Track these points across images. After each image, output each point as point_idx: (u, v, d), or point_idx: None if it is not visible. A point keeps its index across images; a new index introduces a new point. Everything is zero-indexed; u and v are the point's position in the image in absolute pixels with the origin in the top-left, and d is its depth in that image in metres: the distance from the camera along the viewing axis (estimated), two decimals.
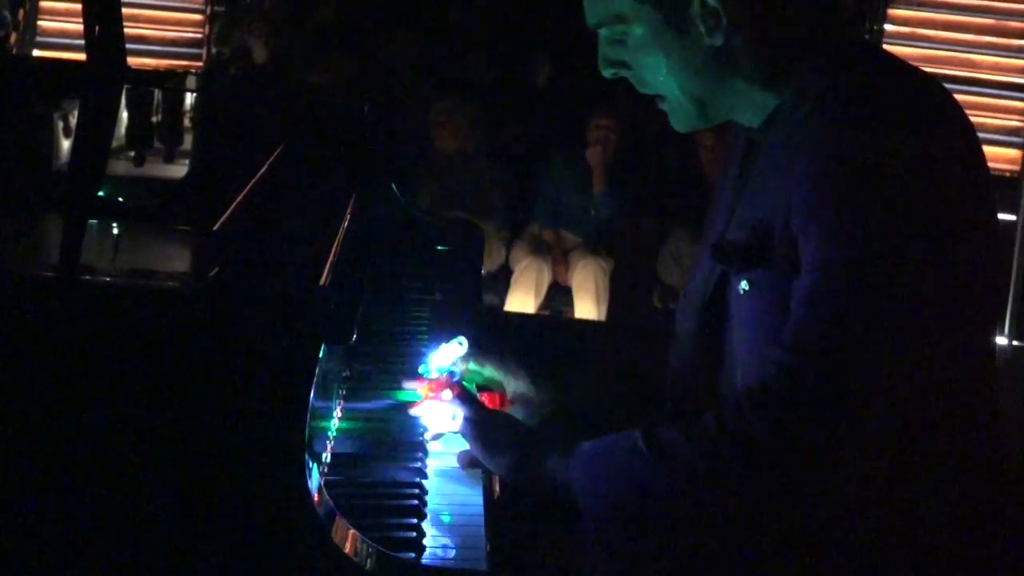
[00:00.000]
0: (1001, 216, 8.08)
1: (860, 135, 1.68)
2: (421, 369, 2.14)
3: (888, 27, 8.90)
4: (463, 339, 2.17)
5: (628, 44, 1.85)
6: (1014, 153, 8.43)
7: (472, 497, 1.96)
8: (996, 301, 1.84)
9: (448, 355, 2.16)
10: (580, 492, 1.78)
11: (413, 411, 2.05)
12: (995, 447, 1.85)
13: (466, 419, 1.96)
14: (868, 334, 1.64)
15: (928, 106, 1.77)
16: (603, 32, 1.88)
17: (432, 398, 2.02)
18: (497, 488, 1.96)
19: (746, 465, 1.65)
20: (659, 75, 1.84)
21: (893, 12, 9.13)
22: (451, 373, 2.11)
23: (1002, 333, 7.55)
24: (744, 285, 1.80)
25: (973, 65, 8.83)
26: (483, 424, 1.95)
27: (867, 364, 1.64)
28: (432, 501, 1.92)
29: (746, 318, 1.82)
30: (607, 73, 1.90)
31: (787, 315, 1.70)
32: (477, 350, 2.20)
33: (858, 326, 1.64)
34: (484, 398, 2.16)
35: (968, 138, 1.77)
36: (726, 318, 1.89)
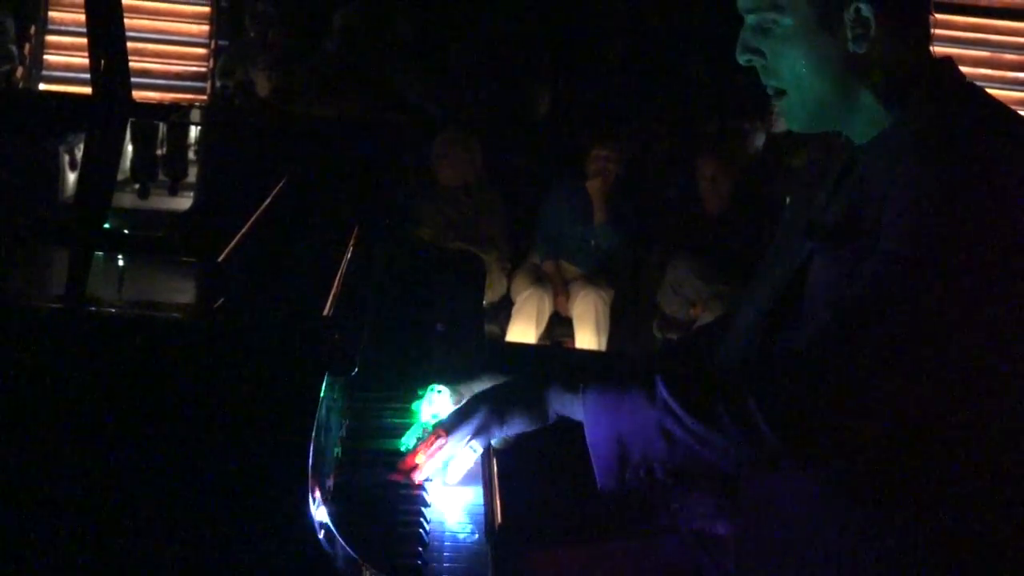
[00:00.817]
0: None
1: (957, 162, 1.76)
2: (408, 442, 2.07)
3: None
4: (440, 387, 2.15)
5: (774, 33, 1.89)
6: None
7: (474, 524, 1.96)
8: None
9: (434, 407, 2.14)
10: (591, 431, 1.85)
11: (418, 478, 2.00)
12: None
13: (456, 417, 1.97)
14: (908, 334, 1.71)
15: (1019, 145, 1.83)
16: (751, 18, 1.92)
17: (432, 454, 1.99)
18: (499, 517, 1.96)
19: (771, 429, 1.72)
20: (795, 69, 1.89)
21: None
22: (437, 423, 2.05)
23: None
24: (828, 259, 1.87)
25: None
26: (462, 412, 1.97)
27: (911, 365, 1.71)
28: (434, 529, 1.92)
29: (818, 290, 1.88)
30: (742, 59, 1.94)
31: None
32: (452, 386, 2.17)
33: (900, 324, 1.71)
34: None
35: None
36: (799, 297, 1.94)
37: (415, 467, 1.97)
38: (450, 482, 1.99)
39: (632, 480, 1.83)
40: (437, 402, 2.13)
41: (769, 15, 1.88)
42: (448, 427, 1.97)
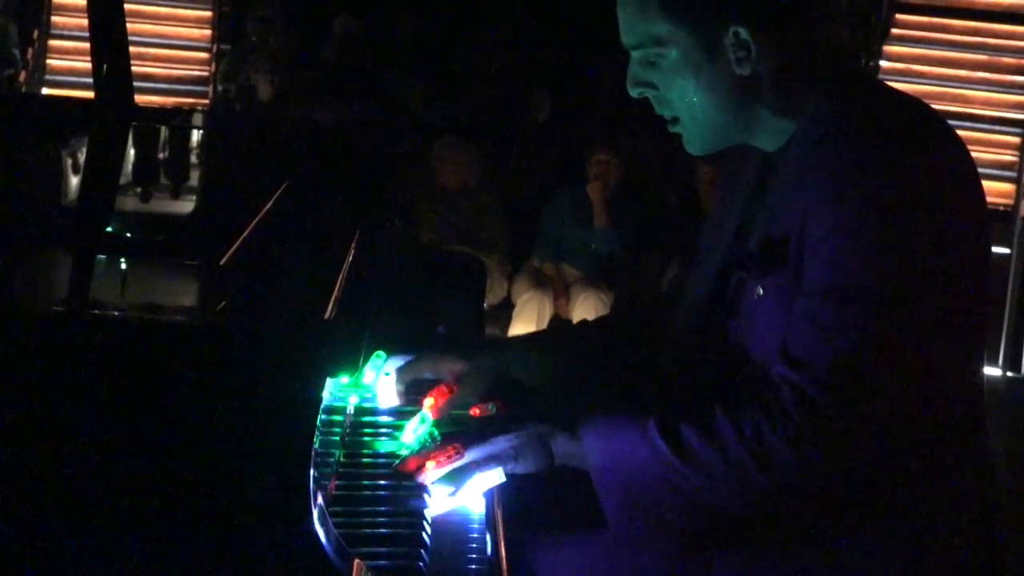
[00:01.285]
0: (995, 249, 8.09)
1: (872, 162, 1.76)
2: (408, 438, 2.08)
3: (884, 63, 8.93)
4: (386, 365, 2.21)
5: (661, 66, 1.90)
6: (1008, 187, 8.46)
7: (476, 526, 1.96)
8: (986, 325, 1.91)
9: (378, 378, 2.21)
10: (597, 478, 1.87)
11: (423, 480, 1.97)
12: (982, 475, 1.93)
13: (472, 439, 1.97)
14: (876, 359, 1.73)
15: (932, 134, 1.84)
16: (636, 53, 1.93)
17: (442, 464, 1.99)
18: (500, 525, 1.96)
19: (766, 475, 1.74)
20: (685, 97, 1.90)
21: (888, 49, 9.16)
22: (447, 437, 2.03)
23: (995, 364, 7.57)
24: (760, 291, 1.88)
25: (967, 100, 8.87)
26: (484, 436, 1.97)
27: (875, 387, 1.72)
28: (435, 530, 1.91)
29: (759, 321, 1.89)
30: (634, 93, 1.95)
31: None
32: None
33: (866, 351, 1.73)
34: (432, 395, 2.18)
35: (969, 165, 1.85)
36: (732, 319, 1.96)
37: (422, 468, 1.97)
38: (466, 499, 1.98)
39: (643, 525, 1.86)
40: (382, 378, 2.20)
41: (653, 50, 1.90)
42: (466, 446, 1.97)
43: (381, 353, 2.22)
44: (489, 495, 2.01)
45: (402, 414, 2.16)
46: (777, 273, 1.85)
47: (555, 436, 1.95)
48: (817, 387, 1.73)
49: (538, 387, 2.28)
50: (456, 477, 1.94)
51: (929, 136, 1.83)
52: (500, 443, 1.96)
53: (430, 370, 2.24)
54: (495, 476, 1.96)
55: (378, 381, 2.21)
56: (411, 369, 2.22)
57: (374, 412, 2.23)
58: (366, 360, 2.21)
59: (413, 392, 2.21)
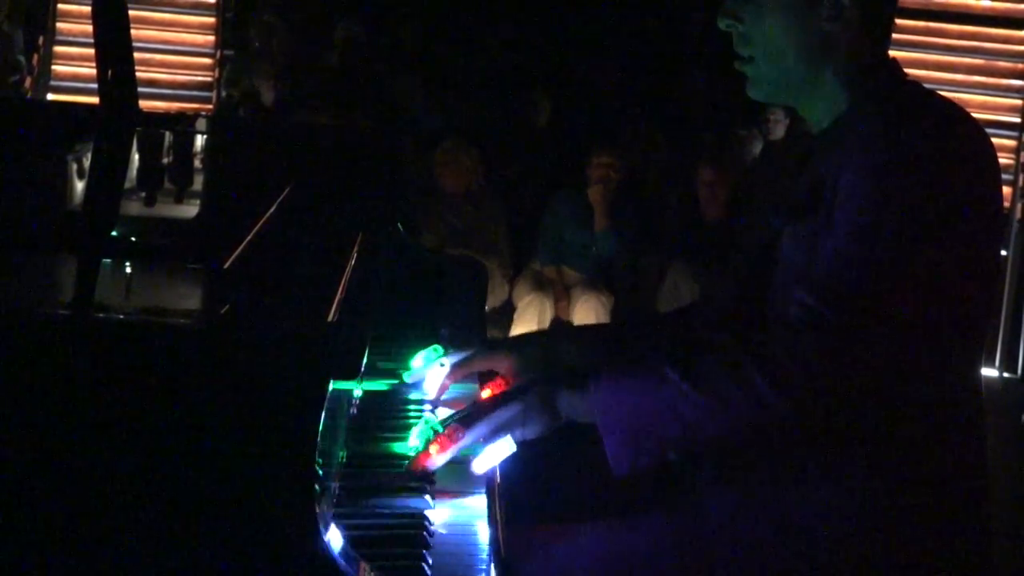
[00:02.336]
0: None
1: (912, 144, 1.89)
2: (415, 441, 2.08)
3: None
4: (443, 358, 2.28)
5: (756, 1, 2.01)
6: (1005, 190, 8.45)
7: (477, 526, 1.96)
8: (986, 316, 2.01)
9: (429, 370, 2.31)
10: (604, 419, 1.91)
11: (432, 465, 2.00)
12: (973, 467, 2.00)
13: (473, 415, 2.01)
14: (887, 289, 1.83)
15: (969, 134, 1.97)
16: None
17: (445, 448, 1.99)
18: (500, 522, 1.96)
19: (768, 384, 1.81)
20: (768, 37, 2.01)
21: None
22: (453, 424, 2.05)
23: (992, 365, 7.58)
24: (792, 236, 2.01)
25: (963, 104, 8.81)
26: (487, 408, 2.02)
27: (882, 313, 1.83)
28: (438, 531, 1.92)
29: (786, 263, 2.02)
30: (722, 24, 2.06)
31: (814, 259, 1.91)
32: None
33: (879, 282, 1.83)
34: (489, 387, 2.27)
35: (994, 169, 1.98)
36: (770, 269, 2.08)
37: (427, 460, 1.99)
38: (478, 471, 2.00)
39: (644, 463, 1.90)
40: (433, 368, 2.31)
41: None
42: (467, 423, 1.99)
43: (439, 347, 2.33)
44: (489, 490, 2.01)
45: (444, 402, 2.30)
46: (808, 221, 1.96)
47: (559, 393, 1.98)
48: (829, 309, 1.82)
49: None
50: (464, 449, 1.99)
51: (966, 139, 1.95)
52: (503, 413, 1.99)
53: (484, 366, 2.34)
54: (506, 446, 1.98)
55: (430, 370, 2.31)
56: (465, 364, 2.31)
57: (386, 409, 2.24)
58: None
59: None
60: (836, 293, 1.83)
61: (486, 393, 2.24)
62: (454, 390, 2.35)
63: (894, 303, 1.83)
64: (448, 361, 2.30)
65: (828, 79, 2.02)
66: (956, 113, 2.00)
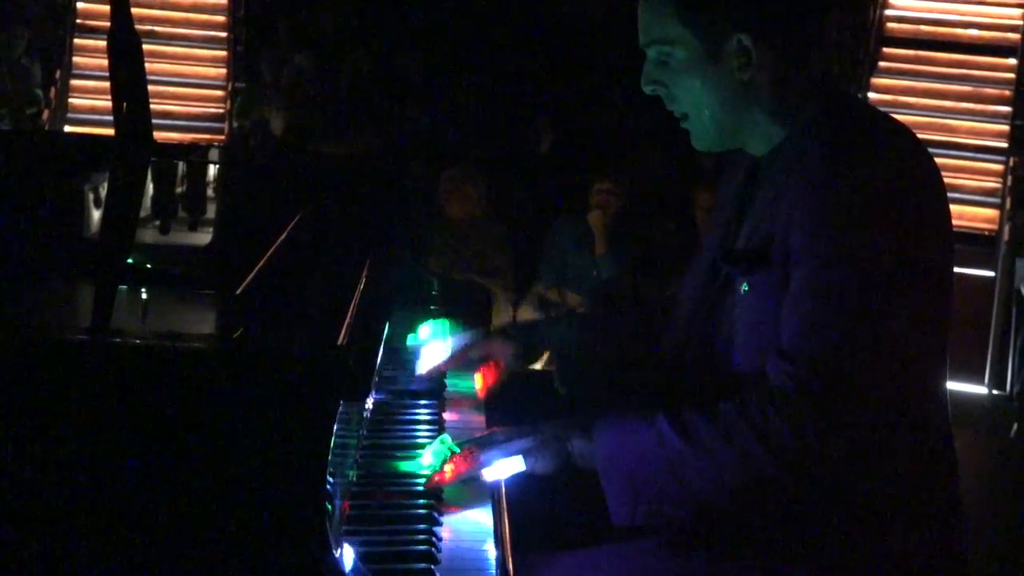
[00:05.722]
0: (980, 272, 8.07)
1: (852, 171, 1.87)
2: (430, 459, 2.09)
3: (872, 95, 8.94)
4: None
5: (670, 65, 2.02)
6: (991, 213, 8.44)
7: (485, 543, 1.96)
8: (950, 325, 1.99)
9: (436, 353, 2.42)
10: (605, 468, 1.94)
11: (446, 480, 2.05)
12: (949, 476, 2.02)
13: (489, 441, 2.05)
14: (856, 349, 1.82)
15: (908, 154, 1.94)
16: (651, 52, 2.04)
17: (459, 468, 2.02)
18: (508, 542, 1.96)
19: (771, 458, 1.82)
20: (690, 95, 2.02)
21: (876, 81, 9.18)
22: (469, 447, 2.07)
23: (981, 383, 7.58)
24: (745, 287, 1.98)
25: (952, 130, 8.87)
26: (503, 436, 2.06)
27: (857, 374, 1.82)
28: (446, 547, 1.91)
29: (745, 315, 1.99)
30: (647, 89, 2.07)
31: (779, 313, 1.90)
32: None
33: (847, 343, 1.83)
34: (481, 372, 2.39)
35: (938, 188, 1.95)
36: (720, 310, 2.05)
37: (442, 479, 2.04)
38: (487, 479, 2.05)
39: (643, 513, 1.92)
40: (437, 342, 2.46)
41: (664, 49, 2.01)
42: (482, 447, 2.04)
43: (446, 321, 2.46)
44: (497, 512, 2.01)
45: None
46: (760, 271, 1.95)
47: (571, 436, 2.01)
48: (809, 375, 1.82)
49: (564, 355, 2.48)
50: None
51: (905, 157, 1.93)
52: (518, 444, 2.03)
53: (482, 353, 2.45)
54: (516, 464, 2.01)
55: (429, 345, 2.44)
56: (466, 349, 2.44)
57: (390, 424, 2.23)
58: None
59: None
60: (820, 364, 1.82)
61: (478, 378, 2.37)
62: (454, 389, 2.45)
63: (876, 358, 1.82)
64: (452, 340, 2.41)
65: (759, 119, 2.02)
66: (891, 126, 1.98)
